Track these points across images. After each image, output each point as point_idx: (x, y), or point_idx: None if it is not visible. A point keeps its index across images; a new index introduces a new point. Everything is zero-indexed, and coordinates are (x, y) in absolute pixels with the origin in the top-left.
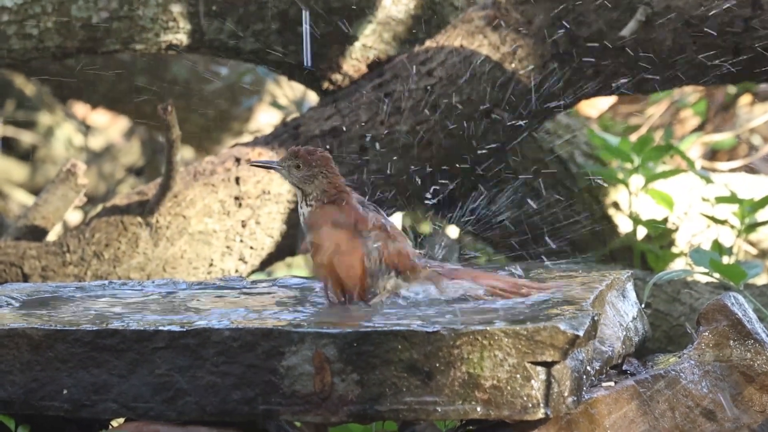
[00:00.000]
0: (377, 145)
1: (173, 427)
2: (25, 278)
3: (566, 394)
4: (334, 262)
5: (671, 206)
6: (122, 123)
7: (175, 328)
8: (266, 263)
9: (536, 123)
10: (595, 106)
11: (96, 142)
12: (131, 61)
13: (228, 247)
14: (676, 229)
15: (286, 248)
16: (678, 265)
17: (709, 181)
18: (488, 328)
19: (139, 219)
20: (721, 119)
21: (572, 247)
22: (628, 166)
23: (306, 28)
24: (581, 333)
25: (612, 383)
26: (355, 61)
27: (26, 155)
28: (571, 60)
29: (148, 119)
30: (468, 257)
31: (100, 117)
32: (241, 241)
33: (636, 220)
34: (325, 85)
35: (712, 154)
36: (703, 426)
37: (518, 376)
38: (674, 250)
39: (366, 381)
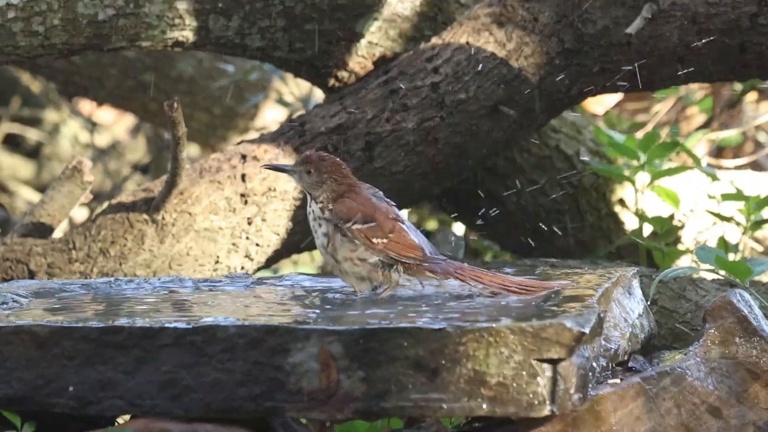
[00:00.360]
0: (383, 143)
1: (179, 424)
2: (31, 275)
3: (572, 391)
4: (394, 238)
5: (677, 203)
6: (128, 120)
7: (181, 325)
8: (272, 260)
9: (542, 120)
10: (601, 103)
11: (102, 139)
12: (137, 58)
13: (234, 244)
14: (682, 227)
15: (292, 245)
16: (684, 262)
17: (715, 178)
18: (494, 326)
19: (145, 216)
20: (727, 116)
21: (578, 244)
22: (634, 163)
23: None
24: (587, 330)
25: (618, 380)
26: (361, 59)
27: (32, 152)
28: (577, 57)
29: (154, 116)
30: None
31: (106, 114)
32: (247, 238)
33: (642, 217)
34: (331, 82)
35: (718, 151)
36: (709, 423)
37: (524, 373)
38: (680, 247)
39: (372, 378)
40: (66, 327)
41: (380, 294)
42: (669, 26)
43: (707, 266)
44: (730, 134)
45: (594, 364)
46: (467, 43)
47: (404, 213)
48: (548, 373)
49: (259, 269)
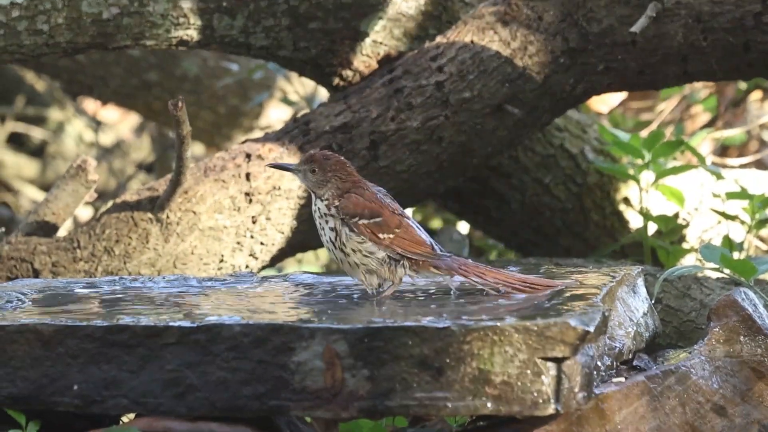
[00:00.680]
0: (387, 141)
1: (183, 423)
2: (36, 274)
3: (576, 389)
4: (400, 233)
5: (682, 202)
6: (133, 119)
7: (186, 323)
8: (277, 259)
9: (546, 119)
10: (606, 102)
11: (106, 138)
12: (142, 57)
13: (238, 242)
14: (687, 225)
15: (296, 244)
16: (688, 260)
17: (719, 176)
18: (499, 324)
19: (150, 215)
20: (731, 115)
21: (583, 243)
22: (639, 161)
23: None
24: (592, 329)
25: (622, 379)
26: (365, 58)
27: (37, 151)
28: (582, 56)
29: (159, 115)
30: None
31: (110, 113)
32: (252, 236)
33: (646, 215)
34: (336, 81)
35: (723, 149)
36: (714, 422)
37: (528, 371)
38: (685, 245)
39: (376, 376)
40: (70, 326)
41: (384, 292)
42: (673, 25)
43: (712, 265)
44: (735, 133)
45: (598, 363)
46: (472, 41)
47: (409, 212)
48: (553, 372)
49: (263, 268)
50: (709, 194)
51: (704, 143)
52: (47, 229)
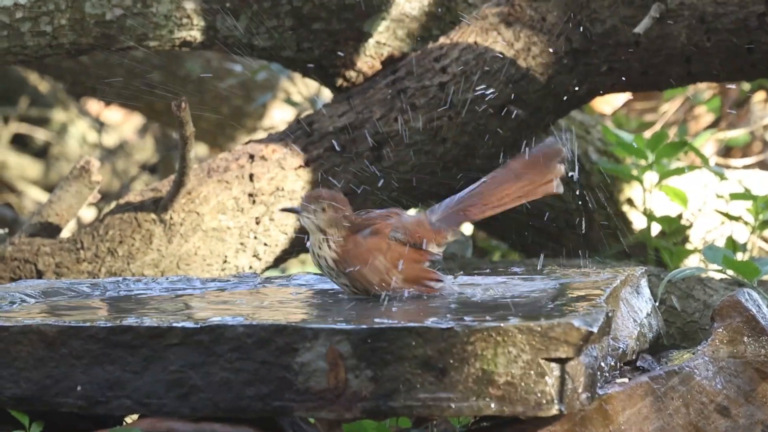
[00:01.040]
0: (391, 142)
1: (187, 424)
2: (39, 275)
3: (580, 390)
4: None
5: (685, 203)
6: (136, 120)
7: (189, 324)
8: (280, 260)
9: (550, 119)
10: (610, 103)
11: (110, 139)
12: (145, 58)
13: (242, 243)
14: (690, 226)
15: (300, 245)
16: (692, 261)
17: (723, 177)
18: (502, 325)
19: (153, 216)
20: (735, 116)
21: (586, 243)
22: (643, 162)
23: None
24: (595, 329)
25: (626, 379)
26: (369, 58)
27: (40, 152)
28: (585, 56)
29: (162, 116)
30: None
31: (113, 114)
32: (255, 237)
33: (650, 216)
34: (339, 82)
35: (726, 150)
36: (717, 422)
37: (532, 372)
38: (688, 246)
39: (380, 377)
40: (74, 326)
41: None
42: (677, 26)
43: (715, 266)
44: (738, 134)
45: (602, 364)
46: (475, 42)
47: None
48: (556, 373)
49: (267, 269)
50: (712, 195)
51: (708, 144)
52: (51, 230)
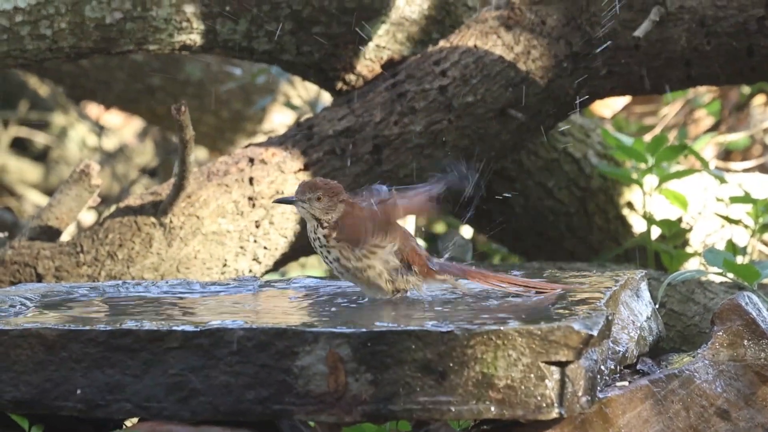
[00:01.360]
0: (391, 145)
1: (187, 427)
2: (39, 278)
3: (580, 393)
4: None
5: (685, 206)
6: (136, 123)
7: (189, 327)
8: (280, 263)
9: (550, 123)
10: (609, 106)
11: (109, 143)
12: (145, 62)
13: (242, 247)
14: (690, 229)
15: (300, 248)
16: (692, 265)
17: (723, 181)
18: (502, 328)
19: (153, 219)
20: (735, 119)
21: (586, 247)
22: (642, 166)
23: None
24: (595, 333)
25: (626, 383)
26: (368, 62)
27: (40, 156)
28: (585, 60)
29: (162, 120)
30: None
31: (113, 117)
32: (255, 241)
33: (650, 220)
34: (339, 85)
35: (726, 154)
36: (717, 426)
37: (532, 375)
38: (688, 250)
39: (380, 381)
40: (74, 330)
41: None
42: (677, 29)
43: (715, 269)
44: (738, 137)
45: (602, 367)
46: (475, 46)
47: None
48: (556, 376)
49: (266, 272)
50: (712, 198)
51: (708, 147)
52: (50, 233)
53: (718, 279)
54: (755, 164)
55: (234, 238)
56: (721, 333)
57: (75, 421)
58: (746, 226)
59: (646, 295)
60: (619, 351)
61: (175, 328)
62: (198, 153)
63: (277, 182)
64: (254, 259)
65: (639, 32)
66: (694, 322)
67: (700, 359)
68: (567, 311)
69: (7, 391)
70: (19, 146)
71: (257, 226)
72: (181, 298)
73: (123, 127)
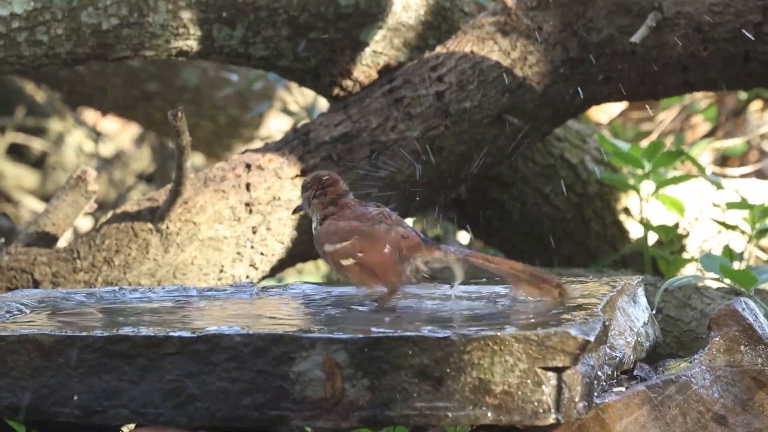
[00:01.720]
0: (388, 151)
1: None
2: (36, 284)
3: (577, 399)
4: (361, 260)
5: (682, 212)
6: (133, 129)
7: (186, 333)
8: (277, 269)
9: (546, 128)
10: (606, 112)
11: (106, 149)
12: (141, 68)
13: (238, 253)
14: (687, 235)
15: (297, 254)
16: (689, 270)
17: (719, 186)
18: (499, 334)
19: (150, 225)
20: (731, 125)
21: (583, 252)
22: (639, 171)
23: None
24: (592, 338)
25: (623, 388)
26: (365, 68)
27: (37, 162)
28: (582, 66)
29: (159, 126)
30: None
31: (110, 124)
32: (252, 247)
33: (647, 225)
34: (336, 91)
35: (723, 159)
36: (715, 431)
37: (529, 381)
38: (685, 255)
39: (377, 386)
40: (70, 336)
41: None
42: (673, 35)
43: (712, 275)
44: (735, 143)
45: (599, 373)
46: (472, 52)
47: (409, 221)
48: (553, 382)
49: (263, 278)
50: (709, 204)
51: (704, 153)
52: (47, 239)
53: (715, 284)
54: (752, 170)
55: (231, 244)
56: (718, 338)
57: (72, 427)
58: (743, 232)
59: (642, 300)
60: (616, 356)
61: (171, 333)
62: (195, 159)
63: (273, 188)
64: (251, 265)
65: (635, 38)
66: (690, 327)
67: (697, 365)
68: (564, 316)
69: (4, 397)
70: (16, 152)
71: (254, 232)
72: (177, 304)
73: (120, 133)
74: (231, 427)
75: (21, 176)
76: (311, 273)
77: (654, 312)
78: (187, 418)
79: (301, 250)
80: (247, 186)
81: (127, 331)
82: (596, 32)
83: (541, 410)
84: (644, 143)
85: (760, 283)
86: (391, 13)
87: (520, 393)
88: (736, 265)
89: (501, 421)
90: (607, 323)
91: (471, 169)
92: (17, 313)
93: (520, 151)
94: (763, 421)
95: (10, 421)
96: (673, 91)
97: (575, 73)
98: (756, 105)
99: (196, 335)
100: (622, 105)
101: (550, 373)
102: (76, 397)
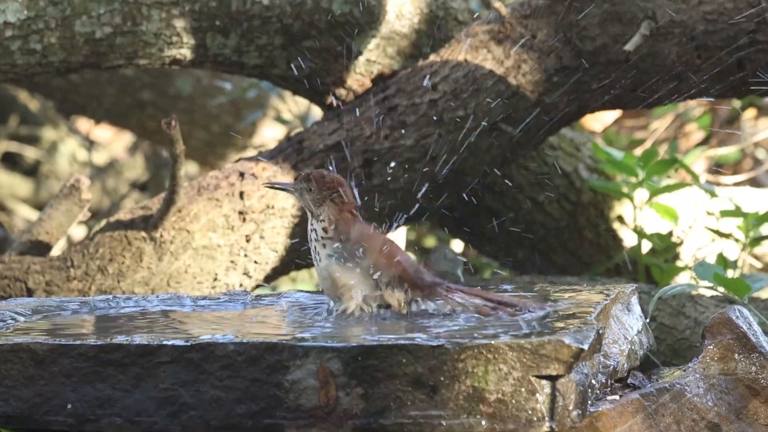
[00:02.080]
0: (381, 160)
1: None
2: (29, 293)
3: (571, 407)
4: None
5: (676, 220)
6: (126, 138)
7: (180, 342)
8: (270, 278)
9: (540, 137)
10: (600, 120)
11: (100, 157)
12: (135, 76)
13: (232, 261)
14: (681, 243)
15: (290, 263)
16: (683, 278)
17: (713, 194)
18: (493, 342)
19: (143, 234)
20: (725, 133)
21: (577, 261)
22: (633, 179)
23: None
24: (586, 346)
25: (617, 396)
26: (359, 76)
27: (30, 170)
28: (576, 74)
29: (152, 134)
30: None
31: (103, 132)
32: (246, 255)
33: (641, 233)
34: (329, 99)
35: (717, 167)
36: None
37: (523, 389)
38: (679, 263)
39: (371, 395)
40: (64, 344)
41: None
42: (667, 43)
43: (706, 283)
44: (729, 151)
45: (593, 381)
46: (465, 60)
47: (403, 230)
48: (547, 390)
49: (257, 287)
50: (703, 212)
51: (698, 161)
52: (41, 248)
53: (709, 293)
54: (746, 178)
55: (224, 253)
56: (711, 347)
57: None
58: (737, 240)
59: (636, 308)
60: (610, 365)
61: (165, 342)
62: (188, 167)
63: (267, 197)
64: (245, 274)
65: (629, 46)
66: (684, 335)
67: (691, 373)
68: (558, 325)
69: None
70: (10, 161)
71: (248, 241)
72: (171, 313)
73: (113, 141)
74: None
75: (14, 185)
76: (305, 281)
77: (648, 320)
78: (181, 427)
79: (294, 258)
80: (241, 194)
81: (120, 339)
82: (590, 40)
83: (535, 418)
84: (638, 151)
85: (754, 291)
86: (384, 22)
87: (514, 401)
88: (730, 274)
89: (495, 430)
90: (601, 331)
91: (464, 177)
92: (11, 321)
93: (514, 159)
94: (757, 429)
95: (4, 430)
96: (666, 99)
97: (569, 81)
98: (750, 113)
99: (189, 344)
100: (615, 113)
101: (544, 382)
102: (69, 406)
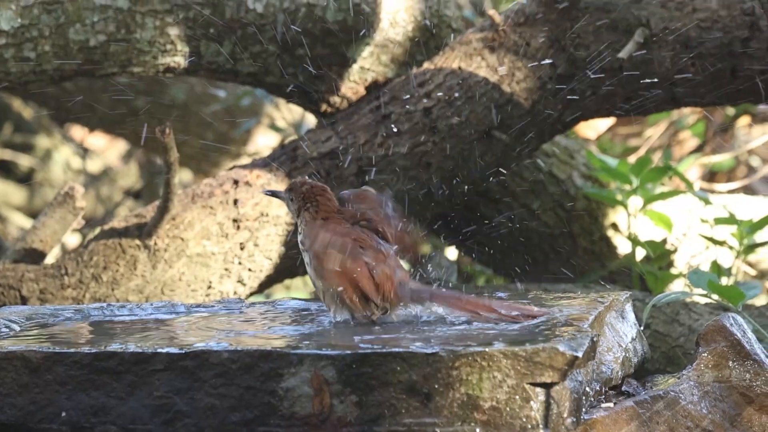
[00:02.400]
0: (375, 167)
1: None
2: (24, 301)
3: (565, 415)
4: (345, 268)
5: (670, 227)
6: (120, 146)
7: (174, 350)
8: (265, 285)
9: (534, 144)
10: (594, 128)
11: (94, 165)
12: (129, 84)
13: (226, 269)
14: (675, 250)
15: (284, 270)
16: (677, 286)
17: (707, 202)
18: (487, 350)
19: (138, 241)
20: (719, 141)
21: (571, 268)
22: (627, 187)
23: None
24: (580, 354)
25: (611, 404)
26: (353, 84)
27: (24, 178)
28: (570, 81)
29: (146, 142)
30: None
31: (97, 140)
32: (240, 263)
33: (635, 241)
34: (324, 107)
35: (711, 175)
36: None
37: (517, 397)
38: (673, 271)
39: (365, 402)
40: (58, 352)
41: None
42: (661, 51)
43: (700, 290)
44: (723, 158)
45: (587, 388)
46: (459, 68)
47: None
48: (541, 397)
49: (251, 294)
50: (697, 220)
51: (692, 169)
52: (35, 256)
53: (703, 300)
54: (740, 185)
55: (219, 260)
56: (706, 354)
57: None
58: (731, 248)
59: (631, 316)
60: (604, 372)
61: (160, 350)
62: (182, 175)
63: (261, 204)
64: (239, 281)
65: (623, 53)
66: (679, 343)
67: (685, 380)
68: (552, 333)
69: None
70: (4, 168)
71: (242, 248)
72: (166, 320)
73: (107, 149)
74: None
75: (8, 192)
76: (299, 289)
77: (642, 327)
78: None
79: (288, 266)
80: (235, 202)
81: (115, 347)
82: (584, 48)
83: (529, 426)
84: (632, 159)
85: (748, 299)
86: (378, 30)
87: (508, 409)
88: (724, 281)
89: None
90: (595, 339)
91: (459, 184)
92: (5, 329)
93: (508, 167)
94: None
95: None
96: (660, 106)
97: (563, 89)
98: (744, 120)
99: (184, 351)
100: (609, 121)
101: (539, 389)
102: (64, 414)
